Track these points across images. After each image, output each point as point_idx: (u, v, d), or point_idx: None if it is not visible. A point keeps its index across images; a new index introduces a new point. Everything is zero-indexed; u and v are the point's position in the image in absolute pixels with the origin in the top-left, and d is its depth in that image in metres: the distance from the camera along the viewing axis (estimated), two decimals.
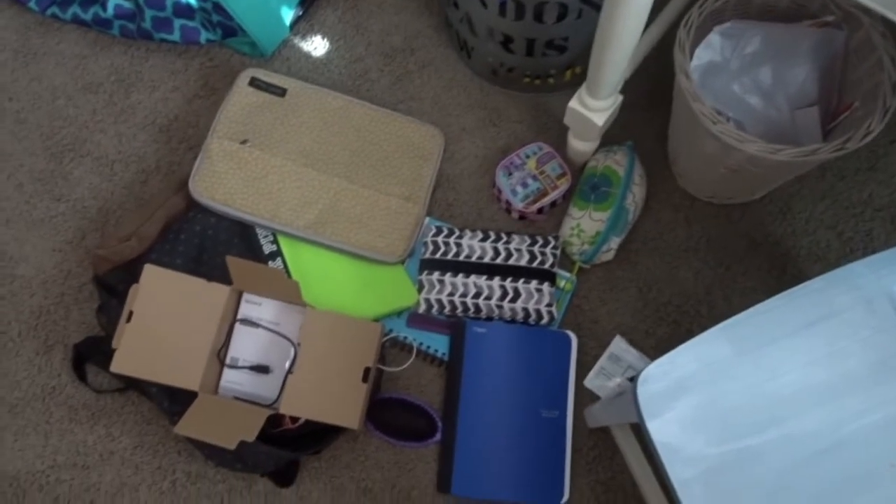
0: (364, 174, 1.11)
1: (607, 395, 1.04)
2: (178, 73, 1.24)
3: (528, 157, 1.12)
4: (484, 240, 1.09)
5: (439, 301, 1.07)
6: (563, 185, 1.11)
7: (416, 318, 1.08)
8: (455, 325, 1.07)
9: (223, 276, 1.00)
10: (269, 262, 1.07)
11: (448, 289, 1.07)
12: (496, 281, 1.07)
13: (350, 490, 1.03)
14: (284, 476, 1.02)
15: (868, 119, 0.87)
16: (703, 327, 0.69)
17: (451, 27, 1.19)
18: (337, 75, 1.23)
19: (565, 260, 1.10)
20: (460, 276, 1.07)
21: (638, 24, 0.81)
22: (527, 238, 1.09)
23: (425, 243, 1.10)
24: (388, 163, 1.13)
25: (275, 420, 0.99)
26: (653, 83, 1.15)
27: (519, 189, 1.10)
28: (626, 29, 0.81)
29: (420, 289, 1.08)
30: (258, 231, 1.09)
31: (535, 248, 1.08)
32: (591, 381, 1.06)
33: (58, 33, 1.27)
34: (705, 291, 1.10)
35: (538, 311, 1.06)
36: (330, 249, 1.09)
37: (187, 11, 1.16)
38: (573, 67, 1.16)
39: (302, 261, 1.08)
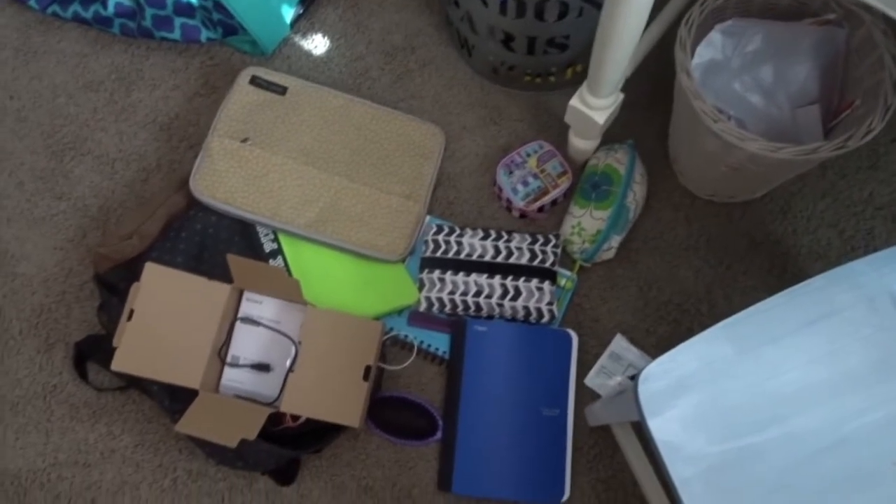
0: (365, 172, 1.11)
1: (608, 394, 1.04)
2: (178, 72, 1.24)
3: (528, 155, 1.12)
4: (485, 238, 1.09)
5: (440, 299, 1.07)
6: (564, 183, 1.11)
7: (417, 317, 1.08)
8: (456, 323, 1.07)
9: (224, 275, 1.00)
10: (270, 261, 1.07)
11: (449, 287, 1.07)
12: (497, 279, 1.07)
13: (351, 488, 1.03)
14: (285, 474, 1.02)
15: (869, 117, 0.87)
16: (704, 326, 0.69)
17: (451, 25, 1.19)
18: (337, 74, 1.23)
19: (566, 258, 1.10)
20: (461, 274, 1.07)
21: (639, 22, 0.81)
22: (527, 236, 1.09)
23: (426, 242, 1.10)
24: (389, 161, 1.13)
25: (276, 418, 0.99)
26: (654, 81, 1.15)
27: (520, 187, 1.10)
28: (627, 27, 0.81)
29: (421, 287, 1.08)
30: (259, 229, 1.09)
31: (536, 247, 1.08)
32: (591, 380, 1.06)
33: (58, 32, 1.27)
34: (706, 290, 1.09)
35: (539, 310, 1.06)
36: (331, 248, 1.09)
37: (188, 10, 1.16)
38: (574, 66, 1.16)
39: (303, 259, 1.08)
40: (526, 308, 1.06)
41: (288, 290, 1.01)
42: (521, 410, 1.03)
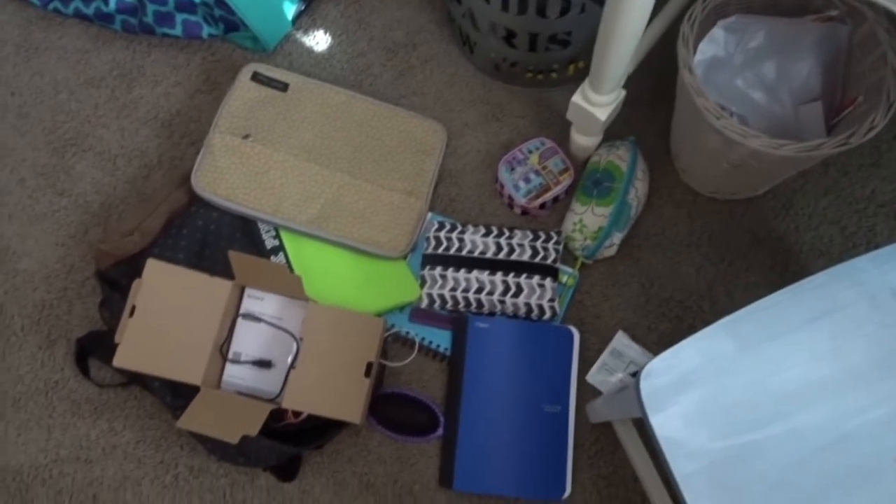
0: (366, 169, 1.11)
1: (609, 391, 1.04)
2: (180, 68, 1.24)
3: (530, 152, 1.12)
4: (486, 235, 1.09)
5: (441, 296, 1.07)
6: (566, 180, 1.11)
7: (419, 314, 1.08)
8: (457, 320, 1.07)
9: (225, 271, 1.00)
10: (272, 257, 1.07)
11: (450, 284, 1.07)
12: (498, 276, 1.07)
13: (352, 485, 1.04)
14: (287, 470, 1.02)
15: (872, 114, 0.87)
16: (706, 323, 0.69)
17: (453, 22, 1.19)
18: (339, 70, 1.23)
19: (567, 255, 1.10)
20: (462, 271, 1.07)
21: (641, 18, 0.81)
22: (529, 233, 1.09)
23: (427, 238, 1.10)
24: (391, 158, 1.13)
25: (277, 415, 0.99)
26: (656, 78, 1.15)
27: (521, 184, 1.10)
28: (629, 23, 0.80)
29: (422, 284, 1.08)
30: (260, 226, 1.09)
31: (538, 244, 1.08)
32: (593, 377, 1.06)
33: (60, 28, 1.27)
34: (707, 287, 1.09)
35: (540, 307, 1.06)
36: (332, 244, 1.09)
37: (189, 6, 1.16)
38: (576, 62, 1.16)
39: (304, 256, 1.08)
40: (527, 305, 1.06)
41: (289, 286, 1.01)
42: (522, 407, 1.03)
